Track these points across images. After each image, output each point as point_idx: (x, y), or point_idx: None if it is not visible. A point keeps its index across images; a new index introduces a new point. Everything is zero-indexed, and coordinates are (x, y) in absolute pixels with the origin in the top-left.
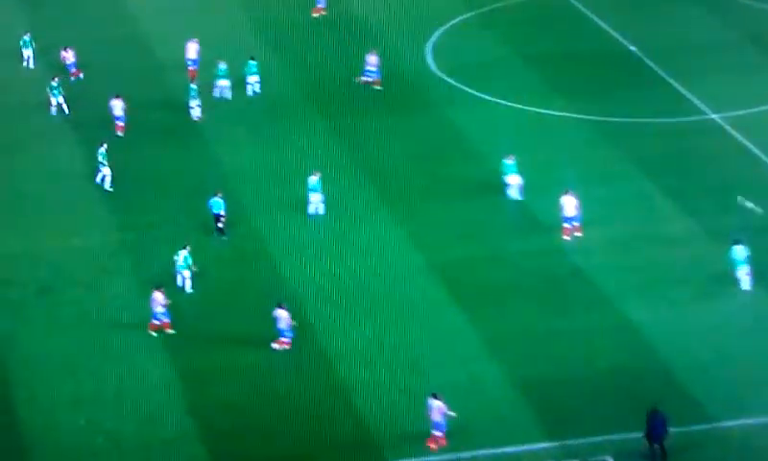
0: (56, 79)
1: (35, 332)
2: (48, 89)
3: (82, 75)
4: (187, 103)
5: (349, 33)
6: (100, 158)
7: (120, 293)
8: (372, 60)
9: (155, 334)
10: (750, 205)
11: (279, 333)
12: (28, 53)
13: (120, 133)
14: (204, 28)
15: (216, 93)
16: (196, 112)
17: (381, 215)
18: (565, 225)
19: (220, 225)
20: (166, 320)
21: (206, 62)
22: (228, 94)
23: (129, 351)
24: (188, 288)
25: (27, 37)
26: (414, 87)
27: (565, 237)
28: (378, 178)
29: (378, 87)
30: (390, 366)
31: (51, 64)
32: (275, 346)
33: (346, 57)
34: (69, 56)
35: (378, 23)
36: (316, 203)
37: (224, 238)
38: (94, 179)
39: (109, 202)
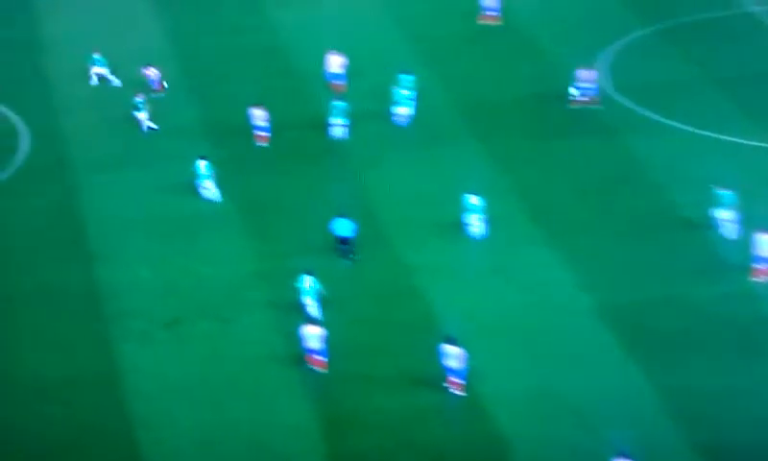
0: (140, 95)
1: (160, 368)
2: (135, 105)
3: (166, 84)
4: (328, 120)
5: (514, 45)
6: (203, 171)
7: (254, 327)
8: (586, 75)
9: (320, 370)
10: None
11: (447, 372)
12: (98, 70)
13: (264, 144)
14: (352, 39)
15: (398, 122)
16: (338, 131)
17: (545, 248)
18: (760, 266)
19: (346, 248)
20: (319, 357)
21: (351, 76)
22: (406, 121)
23: (262, 391)
24: (317, 315)
25: (97, 56)
26: (584, 109)
27: (758, 279)
28: (543, 207)
29: (597, 106)
30: (552, 418)
31: (186, 75)
32: (448, 386)
33: (509, 72)
34: (152, 73)
35: (548, 35)
36: (475, 225)
37: (349, 263)
38: (205, 196)
39: (243, 226)
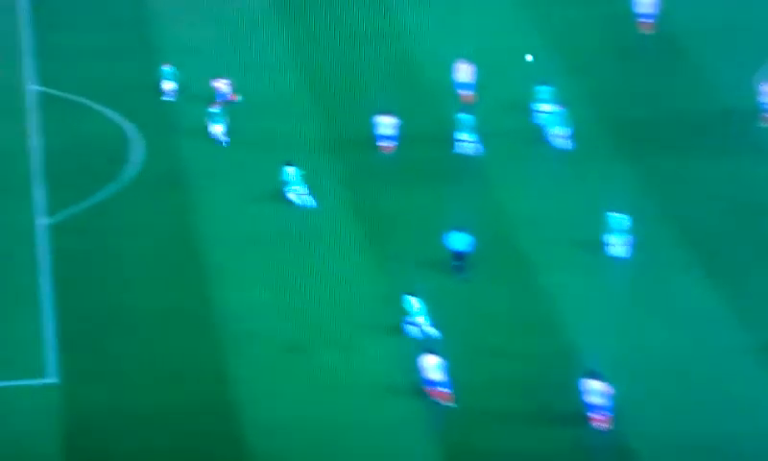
0: (215, 106)
1: (281, 396)
2: (211, 117)
3: (238, 98)
4: (455, 134)
5: (669, 55)
6: (291, 178)
7: (376, 354)
8: None
9: (445, 402)
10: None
11: (590, 409)
12: (170, 85)
13: (389, 153)
14: (489, 46)
15: (554, 144)
16: (466, 146)
17: (695, 276)
18: None
19: (459, 264)
20: (443, 390)
21: (484, 86)
22: (568, 145)
23: (385, 425)
24: (428, 338)
25: (168, 67)
26: (745, 127)
27: None
28: (693, 231)
29: None
30: None
31: (309, 85)
32: (596, 425)
33: (661, 84)
34: (222, 85)
35: (708, 45)
36: (618, 247)
37: (463, 278)
38: (296, 202)
39: (363, 244)
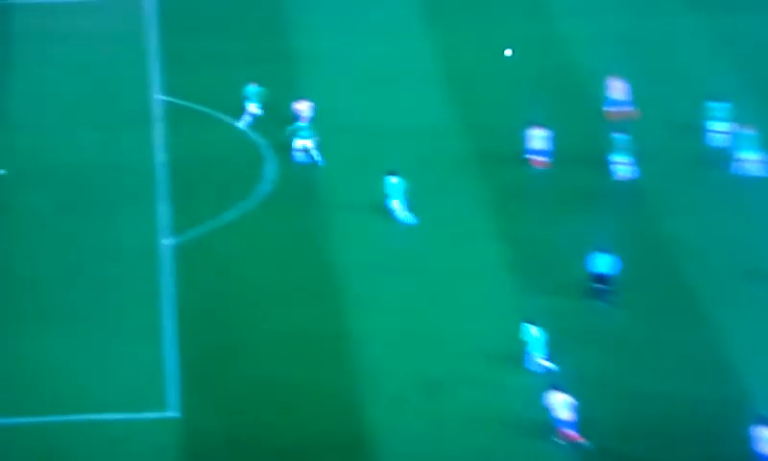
0: (303, 119)
1: (413, 439)
2: (292, 133)
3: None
4: (609, 156)
5: None
6: (393, 189)
7: (520, 390)
8: None
9: (581, 443)
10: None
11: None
12: (252, 108)
13: (542, 168)
14: (653, 59)
15: (739, 171)
16: (622, 169)
17: None
18: None
19: (601, 288)
20: (570, 431)
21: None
22: (761, 171)
23: None
24: (546, 370)
25: (254, 86)
26: None
27: None
28: None
29: None
30: None
31: (462, 101)
32: None
33: None
34: (303, 107)
35: None
36: None
37: (604, 304)
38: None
39: (508, 272)
